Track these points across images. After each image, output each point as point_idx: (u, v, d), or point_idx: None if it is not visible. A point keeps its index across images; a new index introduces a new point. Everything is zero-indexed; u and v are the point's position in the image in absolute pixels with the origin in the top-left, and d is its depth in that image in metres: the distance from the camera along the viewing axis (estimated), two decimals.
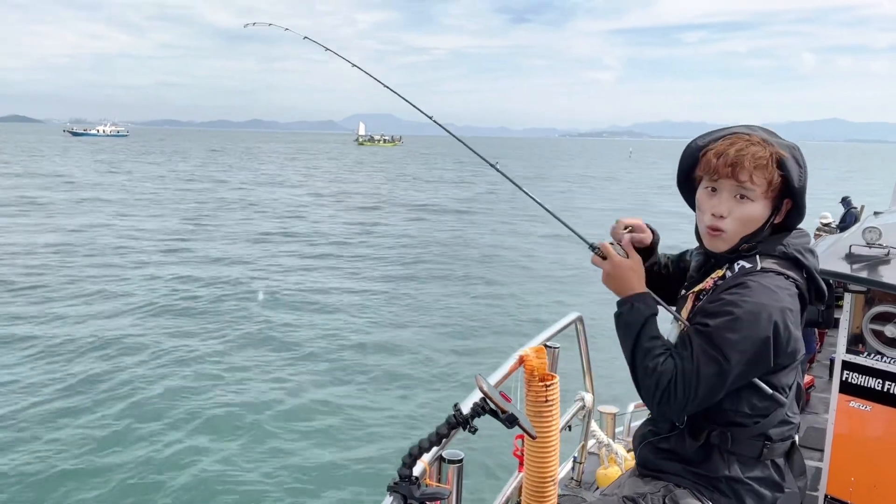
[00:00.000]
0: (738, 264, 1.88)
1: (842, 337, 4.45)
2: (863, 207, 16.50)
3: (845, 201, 16.94)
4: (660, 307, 1.93)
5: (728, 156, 1.81)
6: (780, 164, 1.82)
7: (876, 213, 9.34)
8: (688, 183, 2.00)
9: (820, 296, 1.91)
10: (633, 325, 1.86)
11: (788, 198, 1.88)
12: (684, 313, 1.97)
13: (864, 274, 4.20)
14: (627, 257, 1.93)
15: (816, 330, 8.60)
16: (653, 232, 2.09)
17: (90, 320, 14.21)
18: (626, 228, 2.02)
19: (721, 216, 1.85)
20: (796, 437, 1.98)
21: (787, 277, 1.83)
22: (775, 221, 1.89)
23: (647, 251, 2.08)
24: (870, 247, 4.46)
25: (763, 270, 1.82)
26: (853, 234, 5.15)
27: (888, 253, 4.39)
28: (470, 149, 2.49)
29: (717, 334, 1.74)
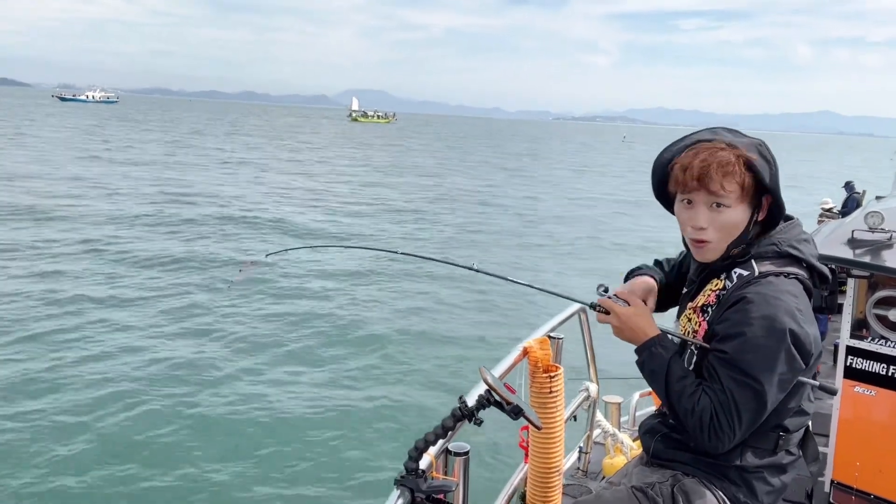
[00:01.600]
0: (735, 273, 1.86)
1: (845, 322, 4.45)
2: (864, 192, 16.47)
3: (848, 186, 16.88)
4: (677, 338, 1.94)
5: (694, 168, 1.78)
6: (748, 166, 1.78)
7: (878, 198, 9.33)
8: (664, 195, 1.98)
9: (823, 279, 1.89)
10: (657, 371, 1.85)
11: (766, 194, 1.84)
12: (685, 323, 1.97)
13: (867, 259, 4.20)
14: (629, 305, 1.93)
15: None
16: (653, 276, 2.12)
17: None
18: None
19: (701, 228, 1.83)
20: (809, 423, 1.98)
21: (788, 276, 1.80)
22: (759, 219, 1.87)
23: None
24: (872, 231, 4.45)
25: (761, 276, 1.80)
26: (855, 219, 5.14)
27: (891, 237, 4.38)
28: (444, 262, 2.41)
29: (737, 358, 1.73)
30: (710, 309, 1.89)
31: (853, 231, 4.54)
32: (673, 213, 1.96)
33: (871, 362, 4.31)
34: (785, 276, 1.80)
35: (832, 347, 8.02)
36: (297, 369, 11.74)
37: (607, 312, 1.94)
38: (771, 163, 1.81)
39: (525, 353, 2.78)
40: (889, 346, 4.27)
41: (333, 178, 41.97)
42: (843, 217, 10.74)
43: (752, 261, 1.84)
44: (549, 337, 2.95)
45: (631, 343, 1.94)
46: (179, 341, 12.81)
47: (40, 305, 14.23)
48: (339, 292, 16.97)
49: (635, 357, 1.94)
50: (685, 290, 2.07)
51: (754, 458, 1.85)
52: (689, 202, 1.84)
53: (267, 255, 2.90)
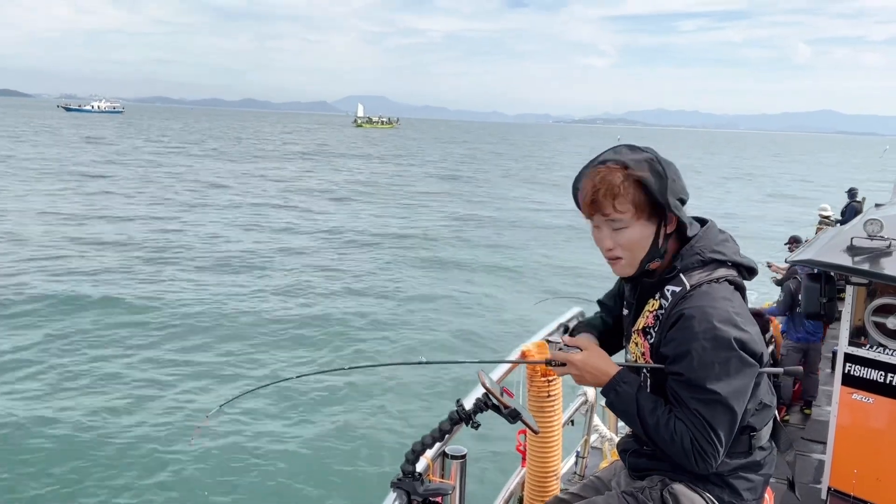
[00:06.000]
0: (668, 290, 1.87)
1: (844, 329, 4.46)
2: (864, 200, 16.46)
3: (850, 192, 16.83)
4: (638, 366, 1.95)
5: (586, 194, 1.83)
6: (638, 184, 1.78)
7: (877, 206, 9.32)
8: None
9: (752, 272, 1.92)
10: (628, 410, 1.86)
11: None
12: (633, 349, 1.99)
13: (865, 266, 4.20)
14: (581, 350, 1.93)
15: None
16: (590, 332, 2.13)
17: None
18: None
19: (609, 249, 1.86)
20: (776, 414, 2.01)
21: (718, 281, 1.82)
22: (668, 232, 1.87)
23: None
24: (871, 239, 4.45)
25: (693, 288, 1.82)
26: (854, 227, 5.14)
27: (889, 245, 4.38)
28: (391, 364, 2.39)
29: (692, 377, 1.74)
30: (651, 331, 1.90)
31: (852, 238, 4.53)
32: None
33: (869, 369, 4.31)
34: (716, 283, 1.82)
35: (830, 354, 8.01)
36: (287, 369, 11.72)
37: (564, 364, 1.94)
38: (662, 176, 1.79)
39: (523, 356, 2.77)
40: (887, 353, 4.27)
41: None
42: (841, 224, 10.73)
43: (681, 275, 1.85)
44: (548, 341, 2.94)
45: (596, 386, 1.94)
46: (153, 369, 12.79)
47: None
48: (329, 287, 16.97)
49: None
50: (625, 312, 2.08)
51: (731, 462, 1.88)
52: (597, 226, 1.88)
53: (220, 406, 2.79)
